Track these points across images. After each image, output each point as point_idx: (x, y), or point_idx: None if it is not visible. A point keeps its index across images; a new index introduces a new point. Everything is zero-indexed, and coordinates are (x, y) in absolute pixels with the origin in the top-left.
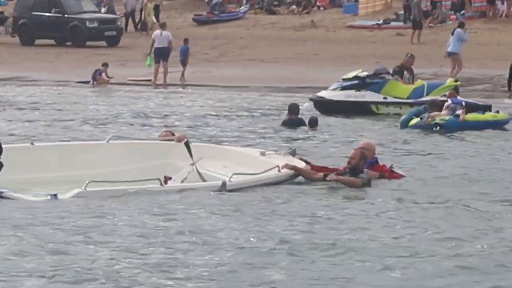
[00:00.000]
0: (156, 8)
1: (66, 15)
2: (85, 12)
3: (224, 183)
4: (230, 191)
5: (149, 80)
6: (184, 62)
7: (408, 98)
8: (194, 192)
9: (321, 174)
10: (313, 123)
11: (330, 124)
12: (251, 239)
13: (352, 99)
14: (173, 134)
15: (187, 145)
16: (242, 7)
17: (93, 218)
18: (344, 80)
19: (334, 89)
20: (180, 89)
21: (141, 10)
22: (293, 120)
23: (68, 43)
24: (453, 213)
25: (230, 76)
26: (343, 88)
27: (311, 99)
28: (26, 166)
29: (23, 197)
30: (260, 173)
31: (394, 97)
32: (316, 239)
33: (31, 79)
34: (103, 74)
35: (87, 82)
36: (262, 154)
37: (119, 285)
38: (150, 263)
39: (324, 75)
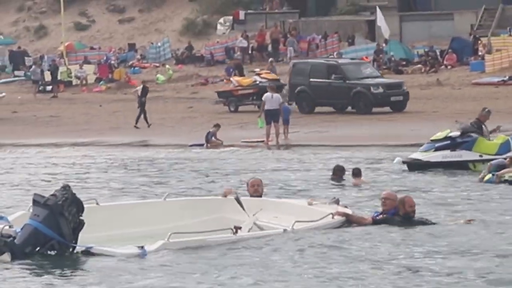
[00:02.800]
0: None
1: (347, 81)
2: (366, 78)
3: (285, 231)
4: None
5: (262, 142)
6: (288, 122)
7: (496, 154)
8: (262, 239)
9: (370, 220)
10: (357, 174)
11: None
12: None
13: (449, 159)
14: (261, 180)
15: (237, 200)
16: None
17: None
18: (433, 141)
19: (427, 151)
20: (283, 150)
21: None
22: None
23: (349, 110)
24: None
25: (342, 135)
26: (437, 149)
27: (404, 162)
28: (94, 225)
29: (113, 251)
30: (317, 220)
31: (484, 154)
32: None
33: (151, 143)
34: (214, 136)
35: (201, 145)
36: (310, 203)
37: None
38: None
39: (437, 131)
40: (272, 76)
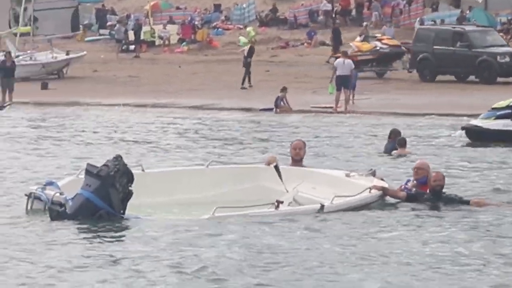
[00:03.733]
0: None
1: (473, 49)
2: (493, 46)
3: (322, 206)
4: (328, 212)
5: (331, 108)
6: (354, 87)
7: None
8: (302, 215)
9: (404, 193)
10: (402, 144)
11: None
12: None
13: (509, 128)
14: (304, 143)
15: (276, 168)
16: None
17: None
18: (494, 109)
19: (487, 118)
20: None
21: None
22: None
23: (471, 79)
24: None
25: (412, 104)
26: (498, 117)
27: (463, 128)
28: (140, 191)
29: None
30: (356, 195)
31: None
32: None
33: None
34: (284, 100)
35: (271, 110)
36: (347, 175)
37: None
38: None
39: None
40: (393, 42)
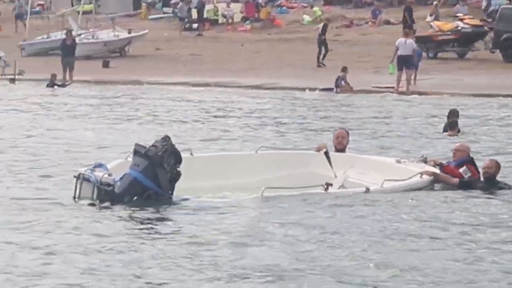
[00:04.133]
0: None
1: None
2: None
3: (367, 189)
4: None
5: (393, 88)
6: (417, 67)
7: None
8: (350, 196)
9: (456, 180)
10: (453, 126)
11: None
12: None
13: None
14: (347, 132)
15: (326, 154)
16: None
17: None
18: None
19: None
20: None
21: None
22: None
23: None
24: None
25: (474, 84)
26: None
27: None
28: (188, 175)
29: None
30: (407, 179)
31: None
32: None
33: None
34: (344, 80)
35: (331, 89)
36: (398, 161)
37: None
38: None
39: None
40: (475, 22)
